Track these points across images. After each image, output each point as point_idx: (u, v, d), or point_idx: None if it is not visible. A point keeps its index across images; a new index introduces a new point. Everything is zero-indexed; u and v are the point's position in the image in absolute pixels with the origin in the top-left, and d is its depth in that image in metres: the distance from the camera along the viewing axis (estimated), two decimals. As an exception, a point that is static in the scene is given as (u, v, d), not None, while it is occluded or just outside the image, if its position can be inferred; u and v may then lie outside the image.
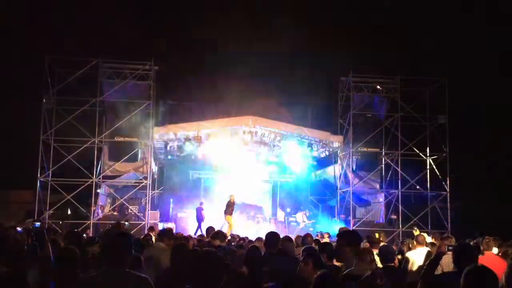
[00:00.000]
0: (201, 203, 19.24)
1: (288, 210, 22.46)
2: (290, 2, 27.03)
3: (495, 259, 6.73)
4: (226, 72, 22.95)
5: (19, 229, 8.87)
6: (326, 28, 25.89)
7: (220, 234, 8.47)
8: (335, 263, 5.81)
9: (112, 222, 14.97)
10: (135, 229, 16.85)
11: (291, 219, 21.84)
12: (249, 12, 26.13)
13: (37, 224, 9.04)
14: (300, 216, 21.36)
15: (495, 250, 7.57)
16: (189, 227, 19.15)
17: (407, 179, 19.10)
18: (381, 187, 20.11)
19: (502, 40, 23.03)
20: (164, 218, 20.05)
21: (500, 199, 21.02)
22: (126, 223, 15.40)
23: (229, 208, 17.36)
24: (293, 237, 8.46)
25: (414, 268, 7.75)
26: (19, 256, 4.54)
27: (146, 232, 13.91)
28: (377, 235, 10.31)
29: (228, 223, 17.00)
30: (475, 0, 24.26)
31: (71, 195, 17.30)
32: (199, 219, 18.42)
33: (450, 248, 5.84)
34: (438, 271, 6.23)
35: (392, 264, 5.91)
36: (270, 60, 21.78)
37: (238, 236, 12.02)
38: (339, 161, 20.43)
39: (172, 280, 4.94)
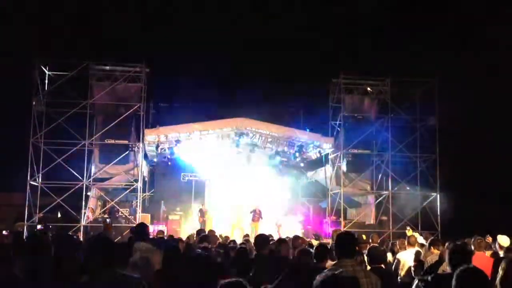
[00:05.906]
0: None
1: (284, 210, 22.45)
2: (283, 2, 27.14)
3: (486, 260, 6.78)
4: (218, 74, 22.99)
5: (5, 232, 8.83)
6: (317, 30, 26.02)
7: (208, 237, 8.49)
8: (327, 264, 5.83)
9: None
10: (125, 232, 16.78)
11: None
12: (243, 12, 26.18)
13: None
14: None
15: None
16: (180, 230, 19.10)
17: (398, 180, 19.21)
18: (372, 188, 20.19)
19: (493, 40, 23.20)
20: (155, 220, 19.95)
21: (491, 199, 21.15)
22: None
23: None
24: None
25: (405, 269, 7.80)
26: (5, 258, 4.47)
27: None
28: (364, 236, 10.31)
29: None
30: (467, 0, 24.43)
31: (61, 198, 17.16)
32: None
33: None
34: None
35: (381, 265, 5.92)
36: (262, 62, 21.81)
37: (227, 237, 12.05)
38: (330, 163, 20.48)
39: (163, 282, 4.92)
